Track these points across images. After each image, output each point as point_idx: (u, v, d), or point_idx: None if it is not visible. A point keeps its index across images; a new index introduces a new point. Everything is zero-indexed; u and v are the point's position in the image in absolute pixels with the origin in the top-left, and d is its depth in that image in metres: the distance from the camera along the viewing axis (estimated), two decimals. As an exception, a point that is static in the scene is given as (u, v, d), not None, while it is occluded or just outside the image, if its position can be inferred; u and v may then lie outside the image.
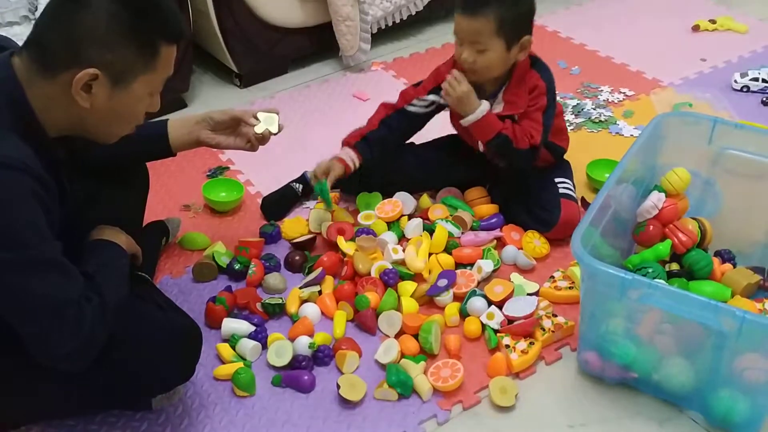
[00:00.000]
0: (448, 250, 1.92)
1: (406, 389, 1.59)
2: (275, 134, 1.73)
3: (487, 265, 1.85)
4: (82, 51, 1.19)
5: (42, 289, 1.19)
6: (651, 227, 1.79)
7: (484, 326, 1.72)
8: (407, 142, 2.11)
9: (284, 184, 2.14)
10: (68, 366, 1.27)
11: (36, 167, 1.18)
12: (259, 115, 1.72)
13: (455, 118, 1.97)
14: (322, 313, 1.78)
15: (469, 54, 1.81)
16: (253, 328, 1.71)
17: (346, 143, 1.98)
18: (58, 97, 1.22)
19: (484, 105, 1.85)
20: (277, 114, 1.73)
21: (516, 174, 1.96)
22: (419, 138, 2.15)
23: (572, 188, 2.01)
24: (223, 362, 1.67)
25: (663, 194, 1.78)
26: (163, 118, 1.71)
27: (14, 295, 1.19)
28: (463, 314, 1.76)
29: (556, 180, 1.99)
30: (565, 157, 2.11)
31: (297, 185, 2.13)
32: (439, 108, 1.99)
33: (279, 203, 2.11)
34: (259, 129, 1.70)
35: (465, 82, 1.83)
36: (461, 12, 1.80)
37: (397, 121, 1.99)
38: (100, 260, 1.40)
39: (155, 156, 1.72)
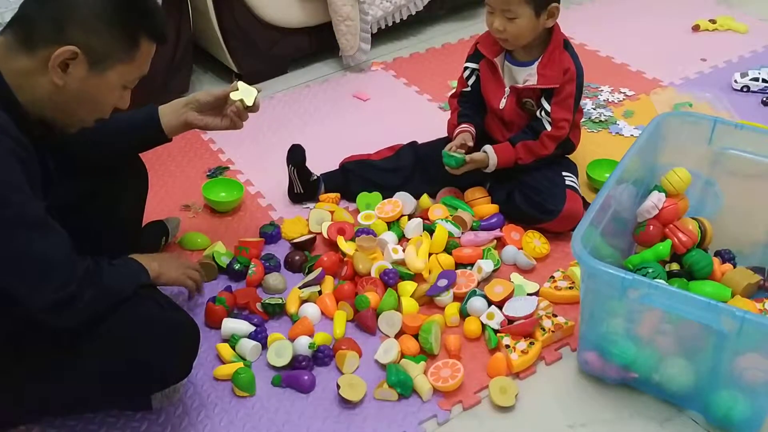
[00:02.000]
0: (448, 250, 1.92)
1: (406, 389, 1.59)
2: (250, 107, 1.70)
3: (487, 265, 1.85)
4: (67, 29, 1.23)
5: (26, 245, 1.22)
6: (651, 227, 1.79)
7: (484, 326, 1.72)
8: (410, 141, 2.18)
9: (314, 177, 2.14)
10: (55, 319, 1.28)
11: (12, 129, 1.20)
12: (240, 84, 1.71)
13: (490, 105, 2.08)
14: (322, 313, 1.78)
15: (500, 22, 1.89)
16: (253, 328, 1.71)
17: (452, 129, 2.07)
18: (32, 72, 1.25)
19: (491, 154, 1.97)
20: (258, 91, 1.71)
21: (522, 166, 2.00)
22: (422, 140, 2.18)
23: (578, 184, 2.02)
24: (223, 362, 1.67)
25: (663, 194, 1.78)
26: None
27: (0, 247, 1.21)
28: (463, 314, 1.76)
29: (563, 173, 2.01)
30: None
31: (320, 184, 2.14)
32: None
33: (312, 187, 2.13)
34: (234, 96, 1.69)
35: (460, 170, 1.96)
36: None
37: (465, 97, 2.11)
38: (118, 262, 1.43)
39: (150, 141, 1.71)
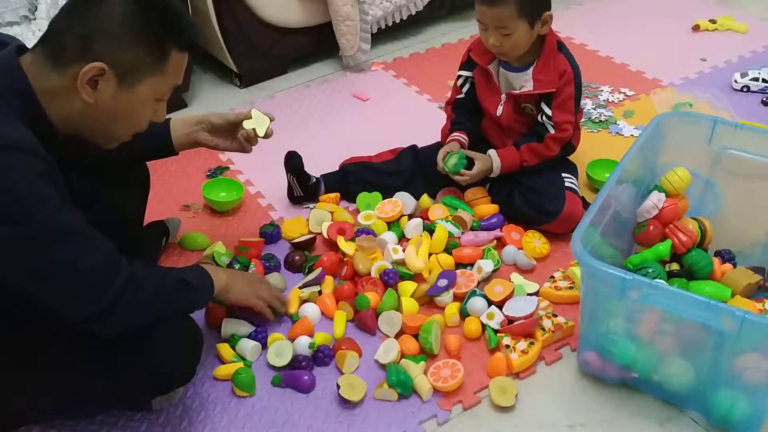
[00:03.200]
0: (448, 250, 1.92)
1: (406, 389, 1.59)
2: (262, 137, 1.72)
3: (487, 265, 1.85)
4: (93, 45, 1.21)
5: (58, 258, 1.19)
6: (651, 227, 1.79)
7: (484, 326, 1.72)
8: (411, 144, 2.17)
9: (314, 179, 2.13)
10: (92, 329, 1.26)
11: (39, 150, 1.18)
12: (254, 112, 1.72)
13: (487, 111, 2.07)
14: (322, 313, 1.78)
15: (495, 39, 1.87)
16: (253, 328, 1.71)
17: (445, 138, 2.08)
18: (63, 92, 1.23)
19: (494, 158, 1.97)
20: (271, 120, 1.73)
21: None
22: (422, 140, 2.18)
23: (577, 185, 2.02)
24: (223, 362, 1.67)
25: (663, 194, 1.78)
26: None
27: (31, 264, 1.19)
28: (463, 314, 1.76)
29: (563, 174, 2.01)
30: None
31: (320, 186, 2.14)
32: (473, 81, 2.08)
33: (312, 189, 2.12)
34: (247, 125, 1.71)
35: (470, 174, 1.96)
36: (481, 2, 1.84)
37: (459, 104, 2.10)
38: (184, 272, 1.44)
39: (158, 154, 1.73)
